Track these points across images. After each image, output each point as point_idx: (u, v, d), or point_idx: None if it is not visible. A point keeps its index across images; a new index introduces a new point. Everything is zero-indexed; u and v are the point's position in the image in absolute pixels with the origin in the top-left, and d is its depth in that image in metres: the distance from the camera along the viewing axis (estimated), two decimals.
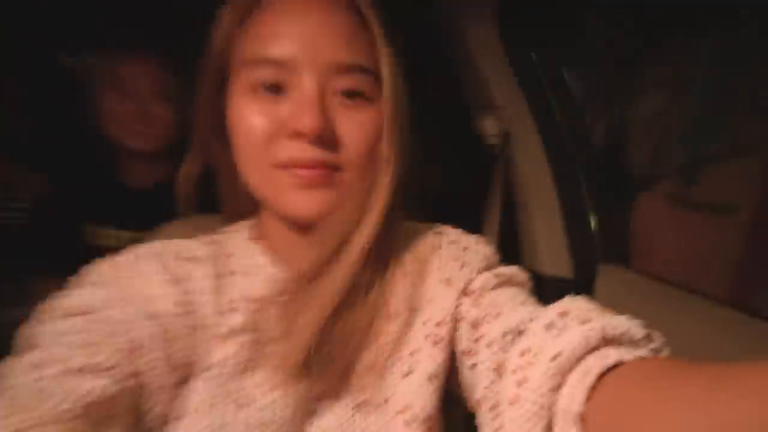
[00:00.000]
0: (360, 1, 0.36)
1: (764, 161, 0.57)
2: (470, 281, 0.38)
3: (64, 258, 0.50)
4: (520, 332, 0.30)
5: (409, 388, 0.36)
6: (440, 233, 0.43)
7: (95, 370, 0.28)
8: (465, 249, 0.41)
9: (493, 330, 0.33)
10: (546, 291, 0.69)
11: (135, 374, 0.30)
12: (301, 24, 0.34)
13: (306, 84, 0.34)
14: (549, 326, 0.28)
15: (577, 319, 0.28)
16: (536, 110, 0.73)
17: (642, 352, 0.25)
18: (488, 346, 0.32)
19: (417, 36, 0.74)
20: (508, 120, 0.72)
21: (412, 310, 0.38)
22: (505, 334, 0.31)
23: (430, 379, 0.36)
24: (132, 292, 0.34)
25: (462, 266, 0.39)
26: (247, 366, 0.35)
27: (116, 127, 0.77)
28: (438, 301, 0.38)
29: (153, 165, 0.80)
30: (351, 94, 0.35)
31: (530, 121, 0.72)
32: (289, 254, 0.39)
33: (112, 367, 0.29)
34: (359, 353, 0.36)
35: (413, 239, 0.42)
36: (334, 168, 0.35)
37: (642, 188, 0.74)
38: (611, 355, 0.24)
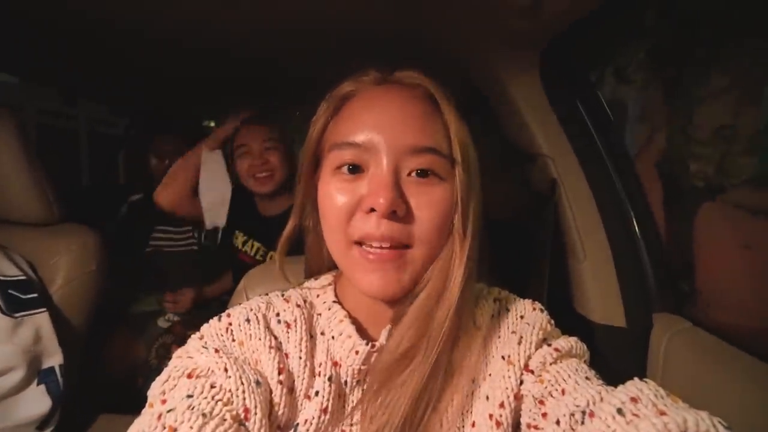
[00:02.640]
0: (434, 92, 0.40)
1: None
2: (529, 357, 0.39)
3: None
4: (589, 413, 0.31)
5: None
6: (497, 300, 0.45)
7: None
8: (521, 317, 0.43)
9: (559, 408, 0.33)
10: (598, 339, 0.69)
11: None
12: (381, 114, 0.39)
13: (382, 164, 0.37)
14: (620, 411, 0.28)
15: (652, 408, 0.28)
16: (584, 157, 0.74)
17: None
18: (556, 423, 0.33)
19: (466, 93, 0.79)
20: (556, 168, 0.74)
21: (474, 382, 0.40)
22: (573, 413, 0.32)
23: None
24: (244, 359, 0.38)
25: (519, 341, 0.40)
26: (326, 429, 0.38)
27: (250, 180, 1.07)
28: (499, 379, 0.39)
29: (275, 200, 1.11)
30: (423, 173, 0.38)
31: (578, 167, 0.74)
32: (370, 323, 0.43)
33: None
34: (428, 422, 0.38)
35: (475, 307, 0.44)
36: (405, 246, 0.38)
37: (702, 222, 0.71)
38: None
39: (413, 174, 0.38)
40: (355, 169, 0.39)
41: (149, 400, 0.35)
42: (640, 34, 0.82)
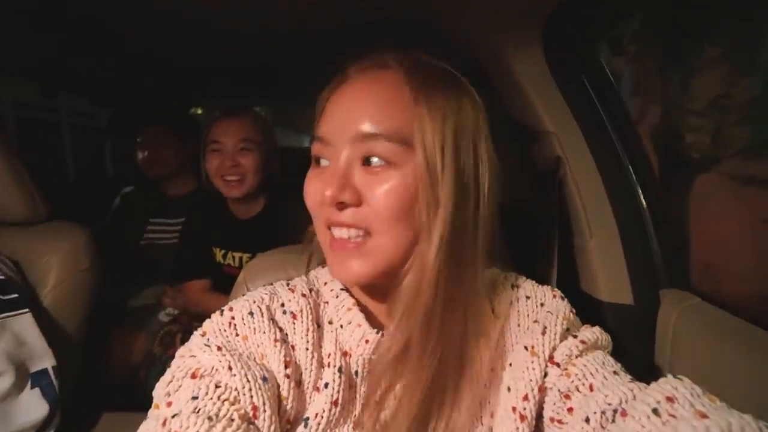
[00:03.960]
0: (401, 73, 0.37)
1: None
2: (554, 348, 0.38)
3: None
4: (621, 412, 0.30)
5: None
6: (515, 286, 0.44)
7: None
8: (541, 305, 0.42)
9: (588, 405, 0.33)
10: (606, 317, 0.69)
11: None
12: (344, 103, 0.38)
13: (336, 156, 0.37)
14: (656, 411, 0.28)
15: (690, 408, 0.27)
16: (589, 133, 0.72)
17: None
18: (585, 421, 0.32)
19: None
20: (561, 145, 0.72)
21: (494, 372, 0.39)
22: (604, 411, 0.31)
23: None
24: (249, 354, 0.37)
25: (544, 331, 0.39)
26: (338, 421, 0.38)
27: (218, 181, 1.00)
28: (522, 370, 0.38)
29: (250, 203, 1.05)
30: (368, 161, 0.36)
31: (583, 144, 0.72)
32: (375, 310, 0.42)
33: None
34: (444, 415, 0.37)
35: (490, 293, 0.43)
36: (366, 232, 0.37)
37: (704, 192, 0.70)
38: None
39: (363, 163, 0.37)
40: (323, 161, 0.39)
41: (154, 401, 0.35)
42: (636, 5, 0.80)
